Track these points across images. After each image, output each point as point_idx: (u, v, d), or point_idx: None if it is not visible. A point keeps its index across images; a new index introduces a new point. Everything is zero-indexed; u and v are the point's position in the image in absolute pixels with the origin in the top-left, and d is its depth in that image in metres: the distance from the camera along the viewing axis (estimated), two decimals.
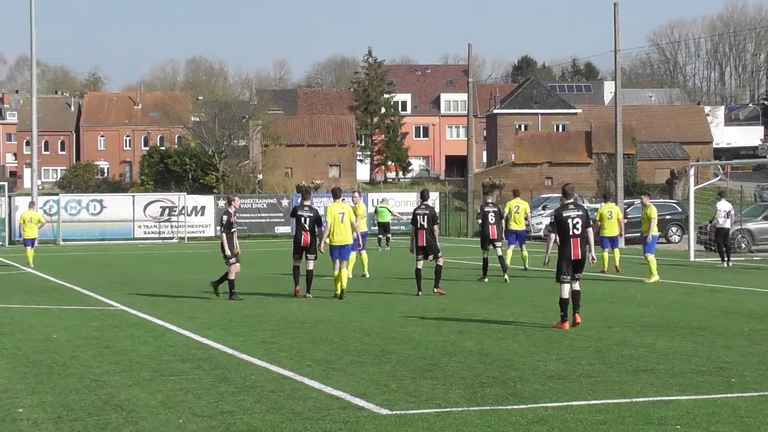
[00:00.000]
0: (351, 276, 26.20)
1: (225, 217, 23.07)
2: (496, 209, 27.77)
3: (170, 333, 17.28)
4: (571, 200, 17.61)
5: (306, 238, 22.77)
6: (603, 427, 9.90)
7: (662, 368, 13.13)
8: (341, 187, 26.38)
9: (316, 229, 22.83)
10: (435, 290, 23.29)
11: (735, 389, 11.74)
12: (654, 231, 27.59)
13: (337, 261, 22.69)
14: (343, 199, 23.54)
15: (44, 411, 10.97)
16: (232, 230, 22.99)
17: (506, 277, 27.03)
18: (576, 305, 17.27)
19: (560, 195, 18.06)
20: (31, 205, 38.87)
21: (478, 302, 21.72)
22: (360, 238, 25.13)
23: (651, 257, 27.06)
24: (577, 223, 17.22)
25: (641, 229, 28.47)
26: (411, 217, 24.03)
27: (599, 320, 18.20)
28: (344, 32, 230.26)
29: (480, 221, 28.17)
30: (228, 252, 22.82)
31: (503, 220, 28.30)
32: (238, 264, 23.05)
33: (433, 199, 56.53)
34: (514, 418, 10.33)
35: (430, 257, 23.33)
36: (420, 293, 23.17)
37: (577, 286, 17.32)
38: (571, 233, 17.20)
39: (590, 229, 17.50)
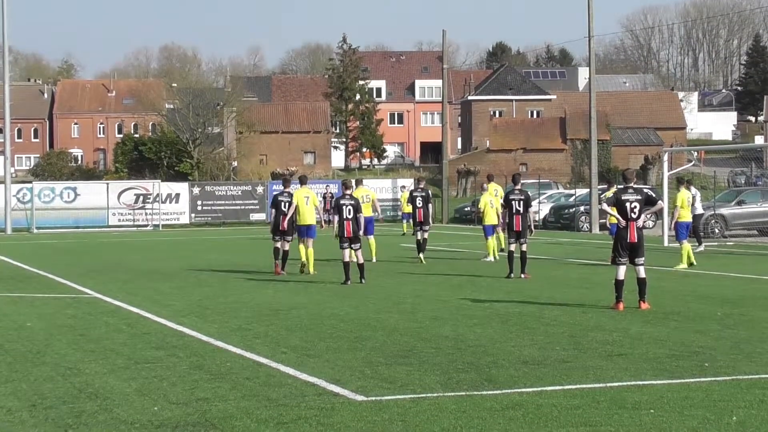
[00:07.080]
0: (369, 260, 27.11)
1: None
2: (424, 194, 30.02)
3: (145, 320, 17.25)
4: (631, 184, 17.89)
5: (284, 222, 25.23)
6: (577, 411, 9.94)
7: (636, 353, 13.20)
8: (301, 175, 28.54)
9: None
10: (522, 276, 23.53)
11: (708, 373, 11.81)
12: (684, 217, 27.42)
13: (304, 239, 25.05)
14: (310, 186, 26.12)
15: (18, 399, 10.93)
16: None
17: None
18: (641, 292, 17.59)
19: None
20: None
21: (452, 288, 21.75)
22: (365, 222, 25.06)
23: (685, 243, 26.95)
24: (635, 207, 17.46)
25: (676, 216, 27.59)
26: (504, 201, 24.69)
27: (574, 305, 18.27)
28: (318, 19, 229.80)
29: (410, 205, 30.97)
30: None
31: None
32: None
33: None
34: (488, 403, 10.36)
35: (521, 241, 23.71)
36: (512, 275, 23.63)
37: (642, 273, 17.56)
38: (629, 216, 17.46)
39: (660, 202, 18.39)
